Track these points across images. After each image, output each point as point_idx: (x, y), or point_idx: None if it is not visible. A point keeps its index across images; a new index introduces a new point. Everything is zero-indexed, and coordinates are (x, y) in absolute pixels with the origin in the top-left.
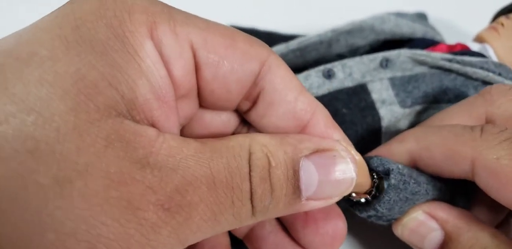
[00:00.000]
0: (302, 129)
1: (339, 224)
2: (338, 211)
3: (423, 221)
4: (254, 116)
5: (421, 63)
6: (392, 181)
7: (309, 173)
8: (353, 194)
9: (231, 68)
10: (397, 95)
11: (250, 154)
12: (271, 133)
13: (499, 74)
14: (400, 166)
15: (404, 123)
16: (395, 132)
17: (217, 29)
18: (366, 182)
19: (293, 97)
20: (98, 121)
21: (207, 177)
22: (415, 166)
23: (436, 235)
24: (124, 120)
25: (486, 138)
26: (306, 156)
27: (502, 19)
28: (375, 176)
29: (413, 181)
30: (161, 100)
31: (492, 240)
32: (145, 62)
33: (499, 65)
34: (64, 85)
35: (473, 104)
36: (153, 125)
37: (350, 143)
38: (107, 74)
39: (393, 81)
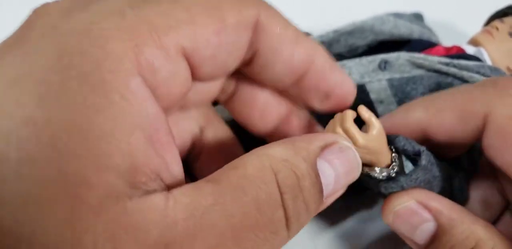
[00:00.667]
0: (301, 78)
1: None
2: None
3: (416, 210)
4: (250, 73)
5: (419, 66)
6: (423, 162)
7: (326, 172)
8: (376, 169)
9: (228, 51)
10: (395, 95)
11: (275, 175)
12: (269, 85)
13: None
14: (426, 149)
15: None
16: None
17: (202, 12)
18: (386, 152)
19: (289, 52)
20: (93, 226)
21: (233, 228)
22: (424, 138)
23: (429, 226)
24: (125, 204)
25: (500, 92)
26: (319, 156)
27: (497, 23)
28: (393, 149)
29: (435, 166)
30: (159, 143)
31: (485, 233)
32: (134, 105)
33: (494, 69)
34: (51, 195)
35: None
36: (159, 174)
37: (352, 89)
38: (91, 153)
39: (391, 82)
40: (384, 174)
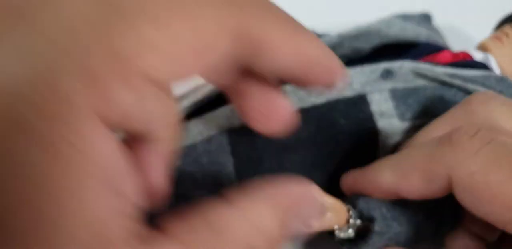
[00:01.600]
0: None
1: None
2: None
3: None
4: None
5: (423, 76)
6: (376, 227)
7: None
8: (336, 226)
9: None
10: (396, 107)
11: None
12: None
13: (500, 91)
14: (384, 210)
15: (402, 137)
16: (392, 146)
17: (180, 39)
18: (342, 214)
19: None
20: None
21: None
22: (398, 197)
23: None
24: None
25: (456, 149)
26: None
27: (507, 28)
28: (347, 204)
29: (396, 223)
30: (126, 198)
31: None
32: (89, 155)
33: (501, 80)
34: None
35: (454, 116)
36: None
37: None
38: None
39: (393, 93)
40: (344, 234)
